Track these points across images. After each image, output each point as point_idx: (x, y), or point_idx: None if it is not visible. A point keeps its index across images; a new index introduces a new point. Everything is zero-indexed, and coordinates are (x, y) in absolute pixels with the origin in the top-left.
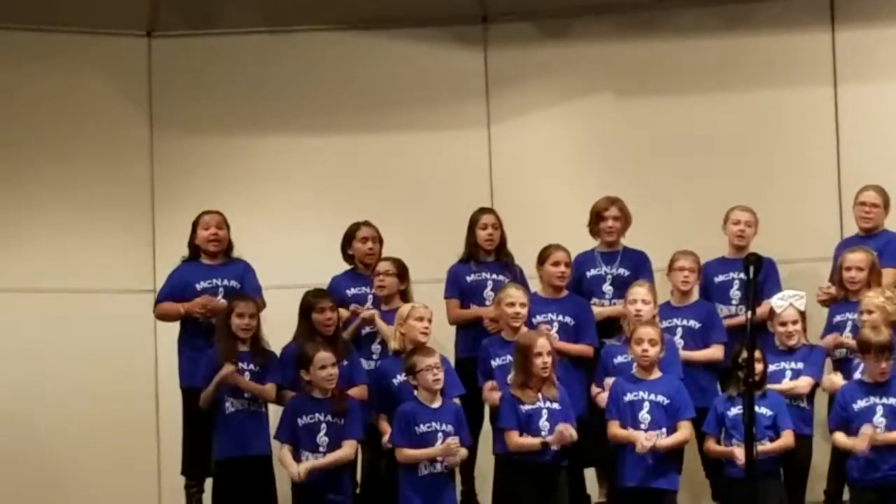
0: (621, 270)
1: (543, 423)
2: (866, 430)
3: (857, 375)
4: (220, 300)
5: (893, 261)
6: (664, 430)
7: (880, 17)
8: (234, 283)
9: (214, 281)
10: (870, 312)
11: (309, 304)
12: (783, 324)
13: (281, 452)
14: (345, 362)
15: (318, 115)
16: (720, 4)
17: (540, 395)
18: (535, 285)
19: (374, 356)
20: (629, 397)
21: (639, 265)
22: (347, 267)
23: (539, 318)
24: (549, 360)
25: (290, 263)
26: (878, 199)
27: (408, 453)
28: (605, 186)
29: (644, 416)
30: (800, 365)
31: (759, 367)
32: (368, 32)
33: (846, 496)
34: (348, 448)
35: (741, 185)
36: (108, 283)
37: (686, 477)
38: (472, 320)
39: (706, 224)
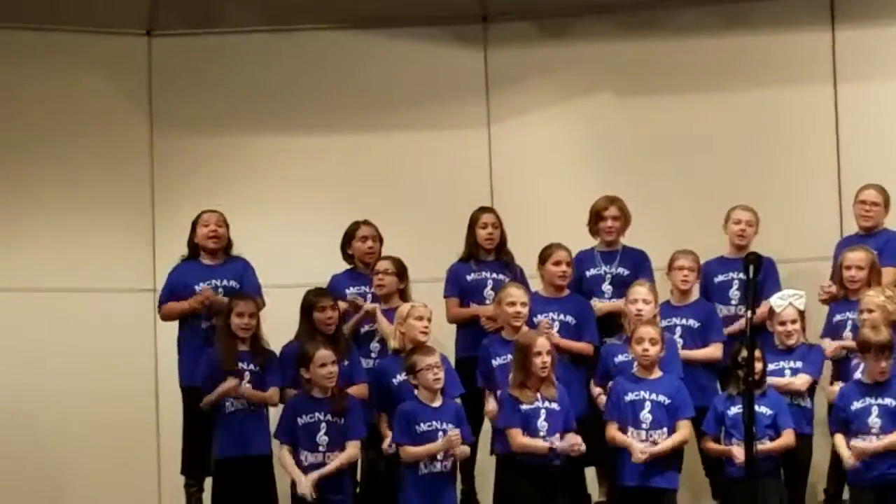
0: (621, 269)
1: (542, 423)
2: (856, 444)
3: (856, 375)
4: (222, 296)
5: (893, 260)
6: (665, 429)
7: (880, 17)
8: (233, 282)
9: (213, 281)
10: (870, 311)
11: (310, 302)
12: (782, 323)
13: (281, 454)
14: (345, 362)
15: (318, 115)
16: (720, 3)
17: (538, 395)
18: (535, 284)
19: (373, 355)
20: (630, 397)
21: (638, 264)
22: (347, 266)
23: (540, 318)
24: (548, 359)
25: (290, 263)
26: (879, 197)
27: (411, 451)
28: (604, 186)
29: (645, 415)
30: (799, 364)
31: (758, 366)
32: (368, 32)
33: (846, 495)
34: (352, 449)
35: (741, 184)
36: (108, 283)
37: (686, 476)
38: (471, 319)
39: (706, 223)
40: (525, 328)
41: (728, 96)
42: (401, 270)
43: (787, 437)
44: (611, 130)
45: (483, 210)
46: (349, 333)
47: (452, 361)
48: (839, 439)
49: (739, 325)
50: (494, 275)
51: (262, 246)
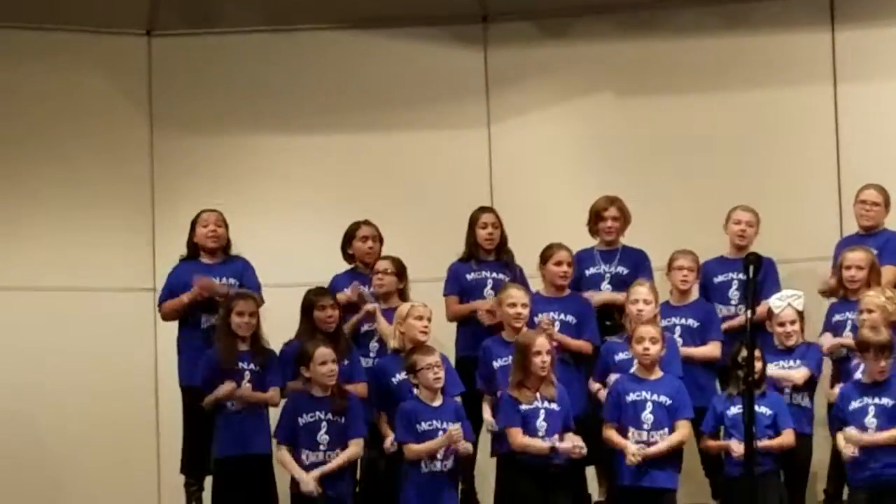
0: (620, 269)
1: (541, 423)
2: (851, 432)
3: (857, 375)
4: (221, 284)
5: (893, 258)
6: (666, 430)
7: (880, 17)
8: (232, 281)
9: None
10: (870, 312)
11: (310, 301)
12: (781, 324)
13: (279, 454)
14: (345, 361)
15: (318, 114)
16: (720, 4)
17: (538, 395)
18: (535, 284)
19: (372, 354)
20: (632, 397)
21: (638, 264)
22: (348, 266)
23: (541, 316)
24: (547, 359)
25: (290, 262)
26: (879, 197)
27: (414, 448)
28: (604, 186)
29: (647, 416)
30: (798, 363)
31: (758, 365)
32: (368, 32)
33: (846, 495)
34: (355, 447)
35: (741, 184)
36: (108, 282)
37: (686, 476)
38: (471, 318)
39: (706, 223)
40: (525, 329)
41: (728, 96)
42: (400, 270)
43: (787, 437)
44: (611, 130)
45: (483, 210)
46: (349, 333)
47: (452, 361)
48: (840, 438)
49: (738, 320)
50: (494, 274)
51: (263, 245)
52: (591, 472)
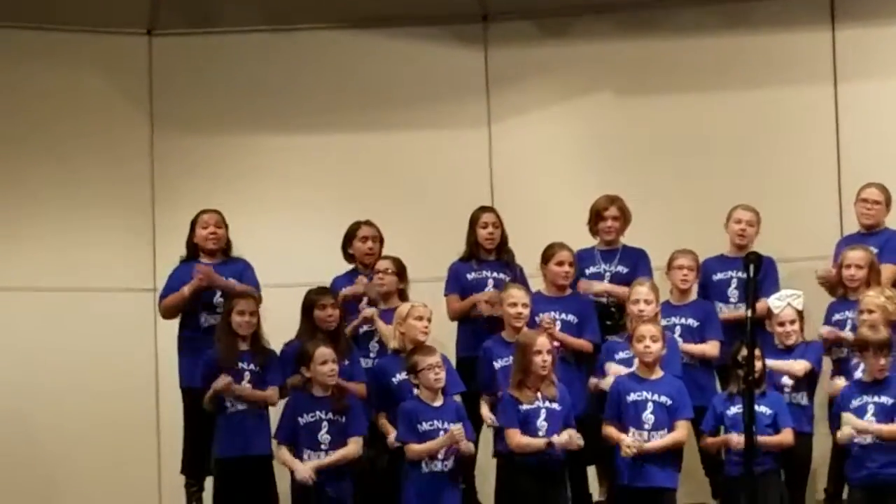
0: (620, 268)
1: (541, 422)
2: (850, 416)
3: (857, 375)
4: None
5: (893, 257)
6: (666, 430)
7: (880, 16)
8: (233, 281)
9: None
10: (870, 312)
11: (311, 301)
12: (781, 324)
13: (279, 453)
14: (345, 361)
15: (319, 114)
16: (720, 3)
17: (539, 395)
18: (536, 284)
19: (372, 354)
20: (632, 397)
21: (638, 263)
22: (348, 265)
23: (543, 315)
24: (548, 358)
25: (290, 262)
26: (880, 196)
27: (416, 448)
28: (604, 185)
29: (647, 416)
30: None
31: (758, 365)
32: (369, 31)
33: (846, 494)
34: (354, 445)
35: (741, 183)
36: (108, 282)
37: (686, 475)
38: (472, 317)
39: (706, 223)
40: (526, 328)
41: (728, 96)
42: (401, 270)
43: (786, 435)
44: (611, 130)
45: (483, 209)
46: (349, 336)
47: (453, 361)
48: (845, 416)
49: (738, 313)
50: (495, 274)
51: (263, 245)
52: (591, 471)
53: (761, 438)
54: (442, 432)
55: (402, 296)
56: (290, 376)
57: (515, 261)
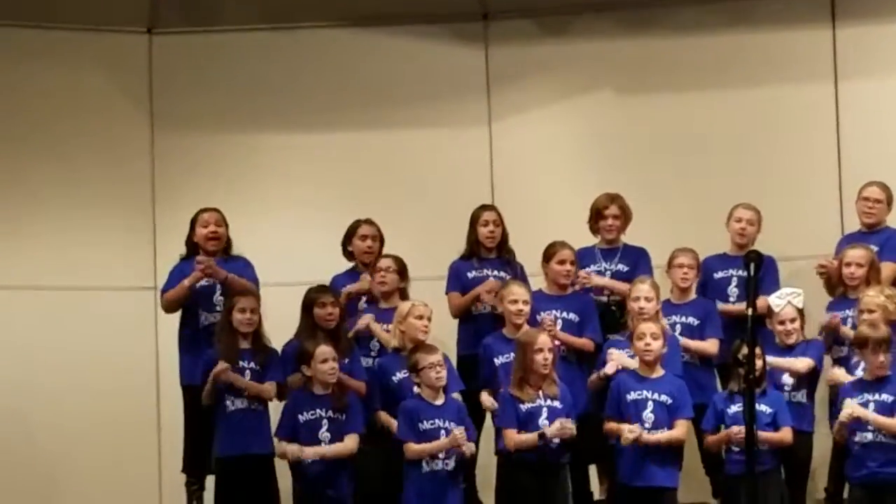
0: (621, 266)
1: (543, 421)
2: (848, 404)
3: (857, 373)
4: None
5: (894, 256)
6: (666, 428)
7: (881, 14)
8: (232, 275)
9: (212, 279)
10: (870, 312)
11: (311, 299)
12: (782, 322)
13: (279, 446)
14: (345, 360)
15: (319, 112)
16: (720, 1)
17: (540, 393)
18: (537, 282)
19: (373, 353)
20: (632, 396)
21: (638, 261)
22: (348, 264)
23: (543, 315)
24: (549, 356)
25: (291, 260)
26: (882, 194)
27: (415, 448)
28: (605, 183)
29: (648, 415)
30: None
31: (758, 363)
32: (369, 29)
33: (847, 493)
34: (350, 441)
35: (741, 182)
36: (108, 281)
37: (686, 474)
38: (473, 315)
39: (706, 221)
40: (526, 326)
41: (728, 94)
42: (402, 269)
43: (785, 434)
44: (611, 128)
45: (484, 208)
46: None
47: (454, 359)
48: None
49: (738, 307)
50: (495, 272)
51: (263, 244)
52: (592, 470)
53: (761, 434)
54: (443, 431)
55: (403, 295)
56: (289, 374)
57: (516, 259)
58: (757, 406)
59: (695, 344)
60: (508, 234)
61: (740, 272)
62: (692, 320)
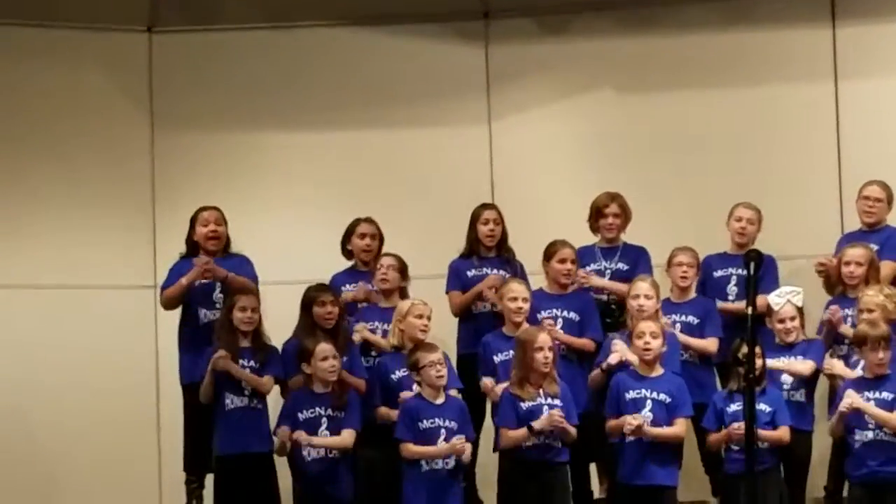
0: (621, 265)
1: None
2: (849, 394)
3: (858, 372)
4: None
5: (893, 255)
6: (665, 427)
7: (881, 13)
8: (232, 274)
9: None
10: (870, 311)
11: (310, 298)
12: (781, 321)
13: (278, 434)
14: (344, 358)
15: (319, 111)
16: (721, 0)
17: (540, 392)
18: (537, 281)
19: (373, 352)
20: (631, 395)
21: (638, 260)
22: (348, 262)
23: (544, 314)
24: (550, 355)
25: (291, 259)
26: (882, 193)
27: (413, 449)
28: (605, 182)
29: (647, 414)
30: (799, 359)
31: (758, 362)
32: (369, 28)
33: (846, 492)
34: (347, 436)
35: (741, 181)
36: (108, 280)
37: (686, 473)
38: (473, 314)
39: (706, 220)
40: (526, 324)
41: (729, 93)
42: (403, 268)
43: (782, 432)
44: (611, 127)
45: (485, 206)
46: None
47: (454, 359)
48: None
49: (737, 305)
50: (495, 271)
51: (263, 243)
52: (592, 469)
53: (759, 431)
54: (443, 430)
55: (403, 294)
56: (289, 372)
57: (516, 258)
58: (756, 405)
59: (695, 341)
60: (508, 233)
61: (740, 271)
62: (692, 319)
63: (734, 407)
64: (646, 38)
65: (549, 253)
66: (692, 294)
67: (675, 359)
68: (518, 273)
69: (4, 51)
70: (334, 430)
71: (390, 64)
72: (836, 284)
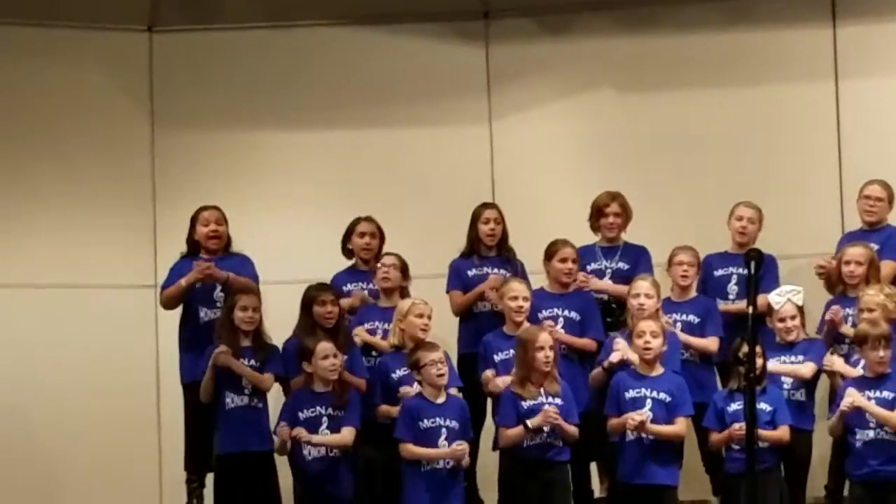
0: (621, 265)
1: None
2: (850, 392)
3: (858, 371)
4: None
5: (894, 254)
6: (666, 425)
7: (882, 13)
8: (232, 275)
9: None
10: (870, 311)
11: (311, 297)
12: (782, 319)
13: (278, 431)
14: (345, 357)
15: (320, 111)
16: (721, 0)
17: (541, 391)
18: (537, 281)
19: (374, 352)
20: (631, 394)
21: (639, 260)
22: (348, 262)
23: (545, 313)
24: (550, 354)
25: (291, 259)
26: (883, 193)
27: (412, 450)
28: (605, 181)
29: (647, 413)
30: (800, 359)
31: (759, 361)
32: (370, 28)
33: (847, 491)
34: (347, 434)
35: (742, 180)
36: (109, 279)
37: (686, 472)
38: (474, 313)
39: (706, 219)
40: (526, 324)
41: (729, 93)
42: (404, 267)
43: (782, 432)
44: (611, 126)
45: (485, 206)
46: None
47: (454, 358)
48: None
49: (737, 306)
50: (496, 270)
51: (264, 242)
52: (593, 468)
53: (760, 431)
54: (444, 430)
55: (404, 293)
56: (292, 372)
57: (516, 257)
58: (756, 404)
59: (695, 341)
60: (509, 233)
61: (740, 270)
62: (692, 318)
63: (735, 406)
64: (645, 37)
65: (550, 252)
66: (693, 293)
67: (676, 358)
68: (519, 272)
69: (4, 50)
70: (335, 429)
71: (390, 63)
72: (836, 284)
